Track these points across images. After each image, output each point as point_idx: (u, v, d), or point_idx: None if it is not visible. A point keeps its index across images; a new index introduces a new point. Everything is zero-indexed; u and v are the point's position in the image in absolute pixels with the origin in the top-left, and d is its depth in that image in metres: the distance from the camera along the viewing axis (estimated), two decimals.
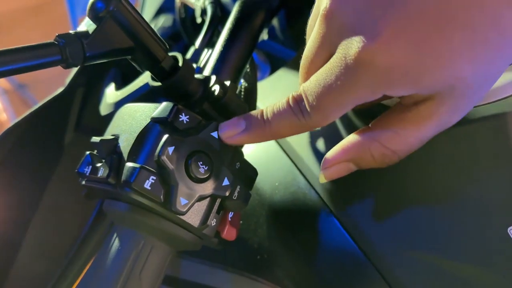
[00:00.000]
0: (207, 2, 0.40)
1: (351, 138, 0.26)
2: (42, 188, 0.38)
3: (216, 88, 0.29)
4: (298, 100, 0.25)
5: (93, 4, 0.25)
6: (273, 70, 0.50)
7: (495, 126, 0.26)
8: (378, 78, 0.22)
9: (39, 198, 0.37)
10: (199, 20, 0.42)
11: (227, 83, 0.29)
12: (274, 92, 0.40)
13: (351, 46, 0.22)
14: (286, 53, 0.49)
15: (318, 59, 0.25)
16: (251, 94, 0.35)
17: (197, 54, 0.36)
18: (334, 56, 0.23)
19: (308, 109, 0.24)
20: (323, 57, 0.24)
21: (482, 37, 0.20)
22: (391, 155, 0.25)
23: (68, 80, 0.36)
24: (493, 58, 0.21)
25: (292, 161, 0.34)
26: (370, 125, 0.26)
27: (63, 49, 0.24)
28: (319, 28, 0.24)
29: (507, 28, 0.20)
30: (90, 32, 0.24)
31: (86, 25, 0.25)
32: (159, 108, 0.26)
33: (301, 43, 0.48)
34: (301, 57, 0.27)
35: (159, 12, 0.61)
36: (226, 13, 0.43)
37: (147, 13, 0.61)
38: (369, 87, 0.22)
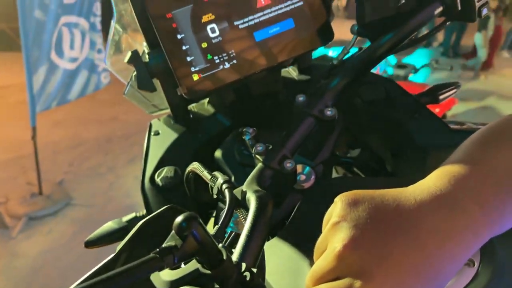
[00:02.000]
0: (224, 187, 0.52)
1: None
2: None
3: (247, 275, 0.40)
4: None
5: (179, 224, 0.36)
6: None
7: None
8: None
9: None
10: (214, 196, 0.54)
11: (254, 270, 0.41)
12: (271, 257, 0.52)
13: (355, 281, 0.34)
14: None
15: (326, 277, 0.37)
16: (261, 267, 0.47)
17: (220, 231, 0.48)
18: (342, 281, 0.35)
19: None
20: (330, 277, 0.36)
21: None
22: None
23: (118, 248, 0.46)
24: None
25: None
26: None
27: (161, 261, 0.34)
28: (331, 262, 0.36)
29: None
30: (178, 246, 0.35)
31: (174, 238, 0.36)
32: None
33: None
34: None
35: (161, 163, 0.72)
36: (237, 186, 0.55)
37: (150, 164, 0.72)
38: None
